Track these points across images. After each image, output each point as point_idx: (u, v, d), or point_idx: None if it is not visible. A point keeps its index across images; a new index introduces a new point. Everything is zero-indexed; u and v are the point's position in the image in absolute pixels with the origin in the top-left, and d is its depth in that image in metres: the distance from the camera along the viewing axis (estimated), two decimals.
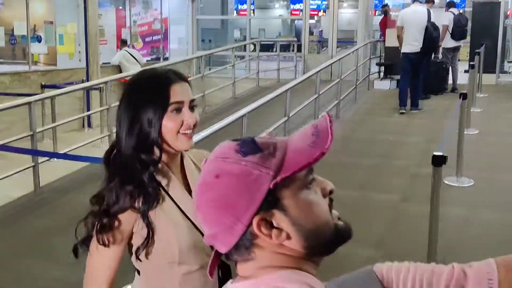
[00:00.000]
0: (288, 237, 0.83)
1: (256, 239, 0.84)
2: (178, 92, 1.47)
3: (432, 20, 8.72)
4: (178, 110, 1.47)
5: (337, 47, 14.51)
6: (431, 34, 8.63)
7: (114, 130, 1.60)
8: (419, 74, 8.93)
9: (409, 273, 0.85)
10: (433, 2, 10.11)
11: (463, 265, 0.84)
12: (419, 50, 8.67)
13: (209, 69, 13.34)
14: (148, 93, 1.48)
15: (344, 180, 5.85)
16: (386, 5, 13.54)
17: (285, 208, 0.83)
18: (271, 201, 0.83)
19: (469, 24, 12.18)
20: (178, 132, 1.47)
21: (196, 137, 4.32)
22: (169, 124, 1.46)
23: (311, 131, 0.86)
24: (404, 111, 8.91)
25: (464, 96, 5.43)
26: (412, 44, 8.73)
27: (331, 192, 0.89)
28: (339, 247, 0.88)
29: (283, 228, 0.83)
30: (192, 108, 1.50)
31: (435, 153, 3.49)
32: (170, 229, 1.46)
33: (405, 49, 8.85)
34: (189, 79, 1.63)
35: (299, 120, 7.38)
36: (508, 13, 14.15)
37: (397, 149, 7.02)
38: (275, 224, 0.83)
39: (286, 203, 0.83)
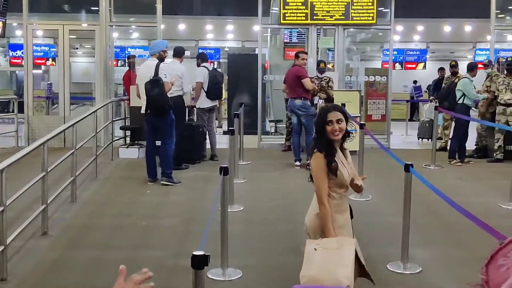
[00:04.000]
0: None
1: None
2: None
3: (160, 75, 8.92)
4: None
5: (71, 104, 14.24)
6: (148, 92, 8.88)
7: None
8: (163, 139, 9.18)
9: None
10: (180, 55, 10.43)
11: None
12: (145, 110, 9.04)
13: None
14: None
15: (83, 285, 5.52)
16: (133, 56, 13.70)
17: None
18: None
19: (225, 79, 12.95)
20: None
21: None
22: None
23: None
24: (151, 182, 9.19)
25: (225, 171, 5.58)
26: (142, 102, 9.10)
27: None
28: None
29: None
30: None
31: (195, 253, 3.42)
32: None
33: (142, 108, 9.18)
34: None
35: (21, 206, 6.89)
36: (266, 65, 15.29)
37: (151, 236, 6.90)
38: None
39: None
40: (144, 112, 9.09)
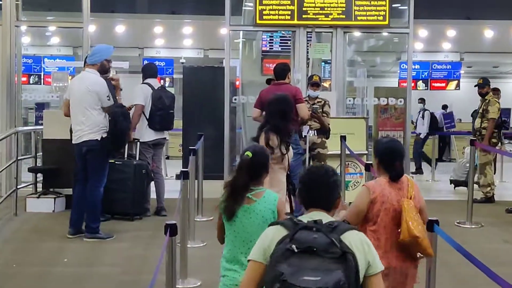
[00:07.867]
0: None
1: None
2: None
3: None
4: None
5: None
6: (121, 125, 9.17)
7: None
8: (92, 181, 9.34)
9: None
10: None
11: None
12: (83, 140, 9.17)
13: None
14: None
15: None
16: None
17: None
18: None
19: (179, 101, 12.87)
20: None
21: None
22: None
23: None
24: (71, 236, 9.37)
25: (172, 231, 5.45)
26: (74, 128, 9.31)
27: None
28: None
29: None
30: None
31: None
32: None
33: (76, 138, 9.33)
34: None
35: None
36: (237, 82, 15.22)
37: None
38: None
39: None
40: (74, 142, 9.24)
